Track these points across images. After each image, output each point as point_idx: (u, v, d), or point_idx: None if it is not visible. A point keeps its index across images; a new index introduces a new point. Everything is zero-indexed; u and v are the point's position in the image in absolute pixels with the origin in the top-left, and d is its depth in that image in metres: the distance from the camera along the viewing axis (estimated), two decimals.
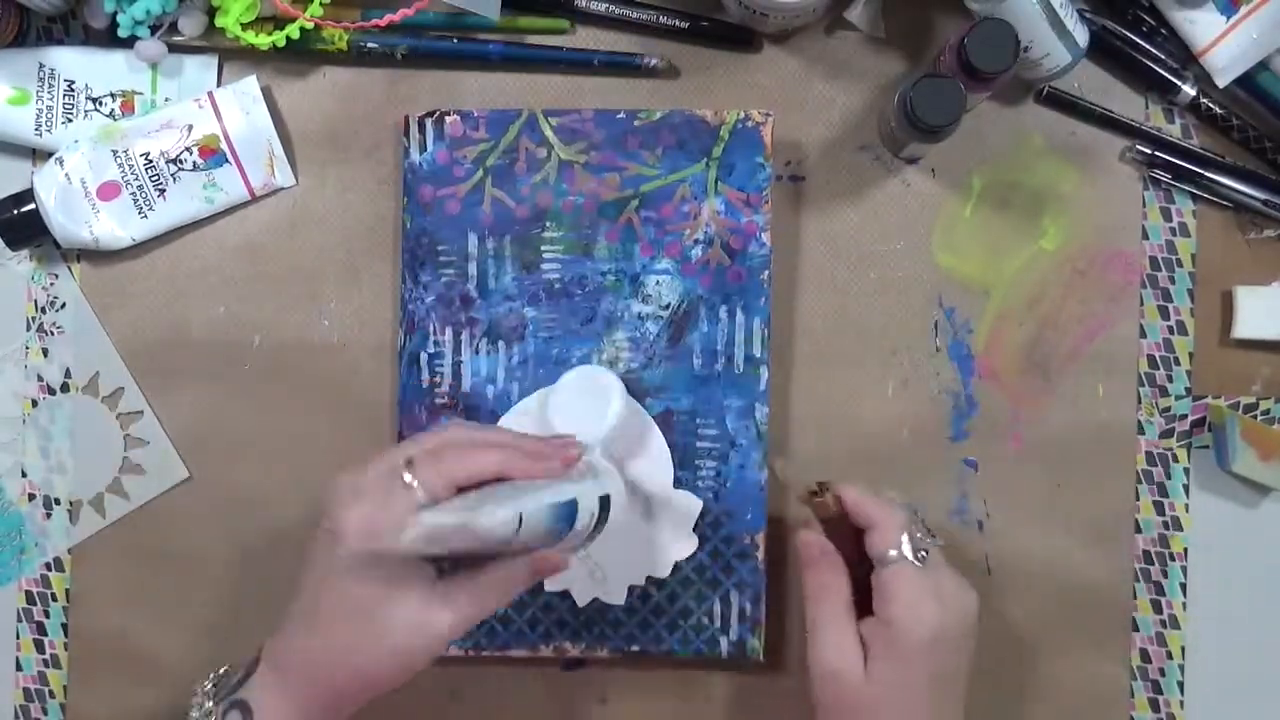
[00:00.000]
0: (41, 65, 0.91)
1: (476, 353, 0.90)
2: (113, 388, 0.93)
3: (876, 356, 0.91)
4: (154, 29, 0.90)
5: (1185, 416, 0.91)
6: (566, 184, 0.89)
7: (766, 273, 0.89)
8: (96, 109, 0.91)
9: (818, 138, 0.92)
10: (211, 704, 0.76)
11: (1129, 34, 0.90)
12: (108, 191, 0.90)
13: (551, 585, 0.89)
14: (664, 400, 0.89)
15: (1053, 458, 0.91)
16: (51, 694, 0.93)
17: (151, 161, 0.90)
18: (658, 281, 0.89)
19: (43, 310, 0.93)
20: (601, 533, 0.80)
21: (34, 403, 0.93)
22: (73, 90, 0.91)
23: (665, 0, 0.91)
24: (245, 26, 0.89)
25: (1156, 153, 0.90)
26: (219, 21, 0.89)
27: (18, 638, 0.93)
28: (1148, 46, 0.90)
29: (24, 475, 0.93)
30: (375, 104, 0.92)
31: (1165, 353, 0.91)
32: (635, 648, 0.89)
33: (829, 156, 0.92)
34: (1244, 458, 0.88)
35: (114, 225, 0.91)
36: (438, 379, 0.90)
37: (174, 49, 0.91)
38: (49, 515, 0.93)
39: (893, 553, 0.77)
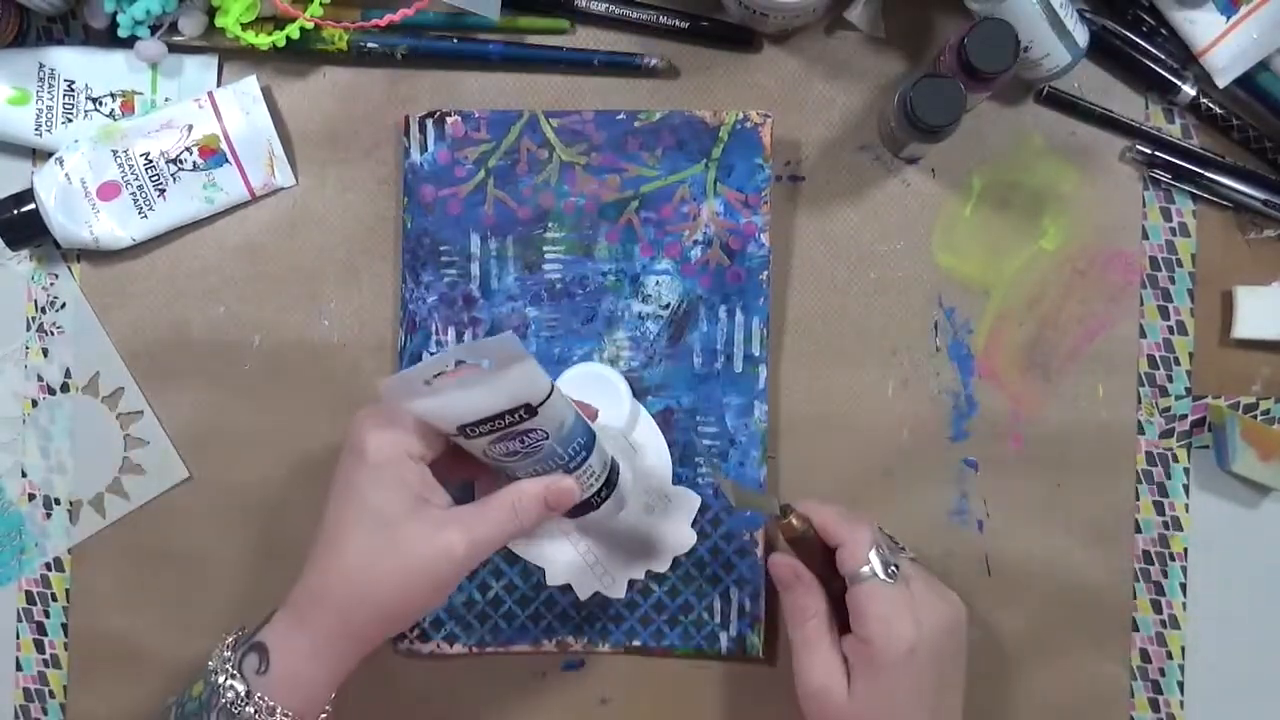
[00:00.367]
0: (41, 65, 0.91)
1: None
2: (113, 388, 0.93)
3: (876, 356, 0.91)
4: (154, 29, 0.90)
5: (1185, 416, 0.91)
6: (568, 185, 0.89)
7: (766, 273, 0.89)
8: (96, 109, 0.91)
9: (818, 138, 0.92)
10: (230, 652, 0.76)
11: (1129, 34, 0.90)
12: (108, 191, 0.90)
13: (553, 580, 0.89)
14: (664, 399, 0.89)
15: (1053, 458, 0.91)
16: (51, 694, 0.93)
17: (151, 161, 0.90)
18: (658, 282, 0.89)
19: (43, 310, 0.93)
20: (607, 507, 0.81)
21: (34, 403, 0.93)
22: (73, 90, 0.91)
23: (665, 0, 0.91)
24: (245, 26, 0.89)
25: (1156, 153, 0.90)
26: (219, 21, 0.89)
27: (18, 638, 0.93)
28: (1148, 46, 0.90)
29: (24, 475, 0.93)
30: (375, 104, 0.92)
31: (1165, 353, 0.91)
32: (637, 643, 0.90)
33: (829, 156, 0.92)
34: (1244, 458, 0.88)
35: (114, 225, 0.91)
36: None
37: (174, 49, 0.91)
38: (49, 515, 0.93)
39: (864, 570, 0.78)
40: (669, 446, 0.89)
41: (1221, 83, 0.89)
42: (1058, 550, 0.91)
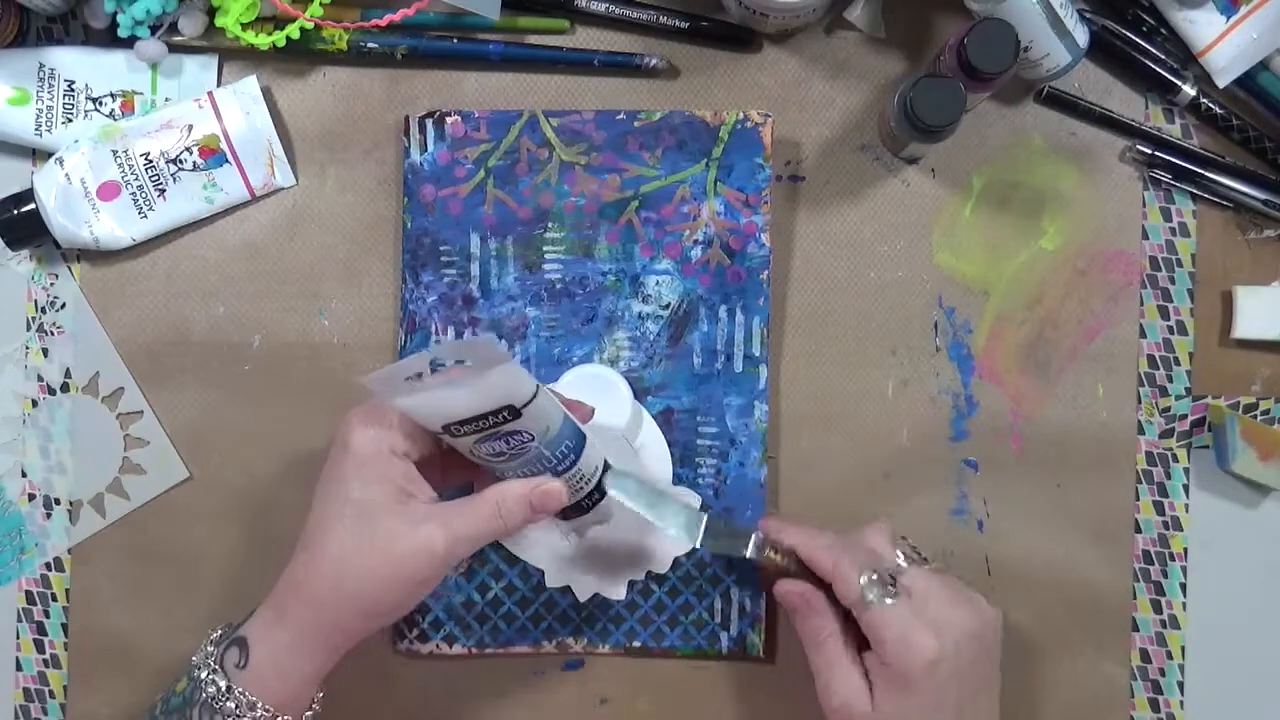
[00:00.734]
0: (41, 65, 0.91)
1: None
2: (113, 388, 0.93)
3: (876, 356, 0.91)
4: (154, 29, 0.90)
5: (1185, 416, 0.91)
6: (568, 185, 0.89)
7: (766, 273, 0.89)
8: (96, 109, 0.91)
9: (818, 138, 0.92)
10: (213, 648, 0.76)
11: (1129, 34, 0.90)
12: (108, 191, 0.90)
13: (553, 581, 0.89)
14: (664, 399, 0.89)
15: (1053, 458, 0.91)
16: (51, 694, 0.93)
17: (151, 161, 0.90)
18: (658, 282, 0.89)
19: (43, 310, 0.93)
20: (600, 510, 0.80)
21: (34, 403, 0.93)
22: (73, 90, 0.91)
23: (665, 0, 0.91)
24: (245, 26, 0.89)
25: (1156, 153, 0.90)
26: (219, 21, 0.89)
27: (18, 638, 0.93)
28: (1148, 46, 0.90)
29: (24, 475, 0.93)
30: (375, 104, 0.92)
31: (1165, 353, 0.91)
32: (637, 643, 0.90)
33: (829, 156, 0.92)
34: (1244, 458, 0.88)
35: (114, 225, 0.91)
36: None
37: (174, 49, 0.91)
38: (49, 515, 0.93)
39: (863, 599, 0.77)
40: (669, 447, 0.89)
41: (1221, 83, 0.89)
42: (1058, 550, 0.91)
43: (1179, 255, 0.91)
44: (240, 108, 0.91)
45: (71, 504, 0.93)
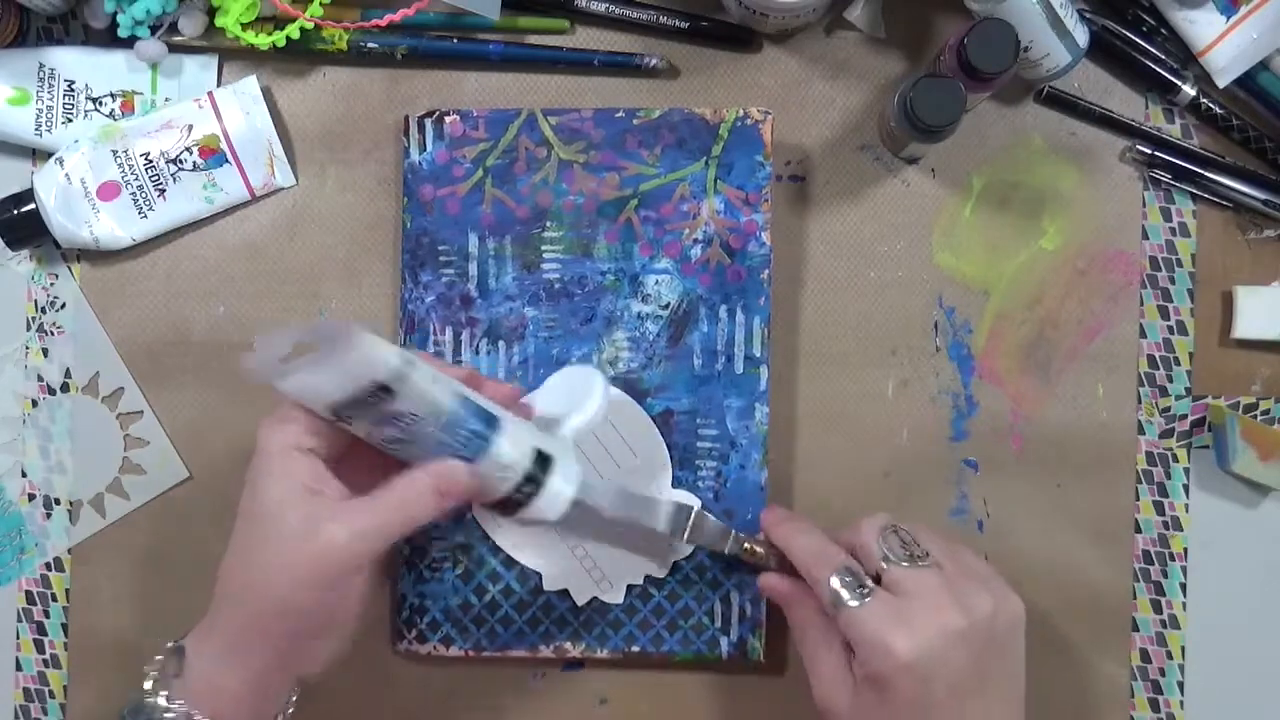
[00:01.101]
0: (41, 65, 0.91)
1: (477, 353, 0.90)
2: (113, 388, 0.93)
3: (876, 356, 0.91)
4: (154, 29, 0.90)
5: (1185, 416, 0.91)
6: (566, 184, 0.89)
7: (766, 272, 0.89)
8: (96, 109, 0.92)
9: (818, 138, 0.92)
10: (161, 658, 0.75)
11: (1129, 34, 0.90)
12: (108, 191, 0.90)
13: (550, 584, 0.89)
14: (664, 400, 0.89)
15: (1053, 458, 0.91)
16: (51, 694, 0.93)
17: (151, 161, 0.90)
18: (657, 281, 0.89)
19: (43, 310, 0.93)
20: (540, 506, 0.79)
21: (34, 403, 0.93)
22: (73, 90, 0.91)
23: (665, 0, 0.91)
24: (245, 26, 0.89)
25: (1156, 153, 0.90)
26: (219, 21, 0.89)
27: (18, 638, 0.93)
28: (1148, 46, 0.90)
29: (24, 475, 0.93)
30: (375, 104, 0.93)
31: (1165, 353, 0.91)
32: (636, 648, 0.89)
33: (829, 156, 0.92)
34: (1244, 458, 0.88)
35: (114, 225, 0.91)
36: None
37: (174, 49, 0.91)
38: (49, 515, 0.93)
39: (842, 597, 0.76)
40: (669, 449, 0.89)
41: (1221, 83, 0.89)
42: (1058, 550, 0.91)
43: (1179, 255, 0.91)
44: (240, 108, 0.91)
45: (71, 504, 0.93)
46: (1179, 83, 0.90)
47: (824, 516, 0.88)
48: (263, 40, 0.89)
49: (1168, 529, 0.91)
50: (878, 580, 0.77)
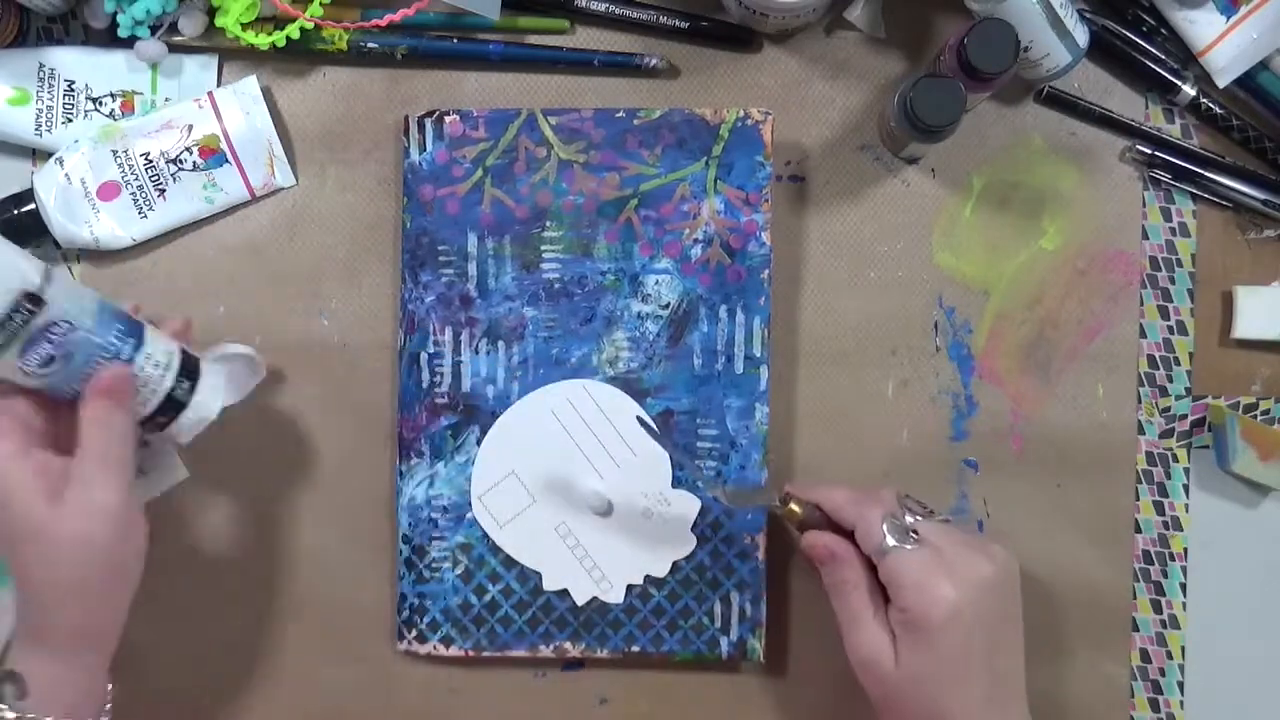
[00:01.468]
0: (41, 65, 0.91)
1: (476, 353, 0.90)
2: None
3: (876, 356, 0.91)
4: (154, 29, 0.90)
5: (1185, 416, 0.91)
6: (566, 183, 0.89)
7: (766, 272, 0.89)
8: (96, 109, 0.92)
9: (818, 138, 0.92)
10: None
11: (1129, 34, 0.90)
12: (108, 191, 0.90)
13: (550, 584, 0.89)
14: (664, 400, 0.89)
15: (1053, 458, 0.91)
16: None
17: (151, 161, 0.90)
18: (657, 281, 0.89)
19: None
20: (182, 426, 0.81)
21: None
22: (73, 90, 0.91)
23: (665, 0, 0.91)
24: (245, 26, 0.89)
25: (1156, 153, 0.90)
26: (219, 21, 0.89)
27: None
28: (1148, 46, 0.90)
29: None
30: (375, 104, 0.92)
31: (1165, 353, 0.91)
32: (636, 648, 0.89)
33: (829, 156, 0.92)
34: (1244, 458, 0.88)
35: (114, 225, 0.91)
36: (438, 379, 0.90)
37: (174, 49, 0.91)
38: None
39: (889, 542, 0.77)
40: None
41: (1221, 83, 0.89)
42: (1058, 550, 0.91)
43: (1179, 255, 0.91)
44: (240, 108, 0.91)
45: None
46: (1179, 83, 0.90)
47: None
48: (263, 40, 0.89)
49: (1168, 529, 0.91)
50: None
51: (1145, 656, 0.91)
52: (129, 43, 0.90)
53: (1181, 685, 0.91)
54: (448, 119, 0.90)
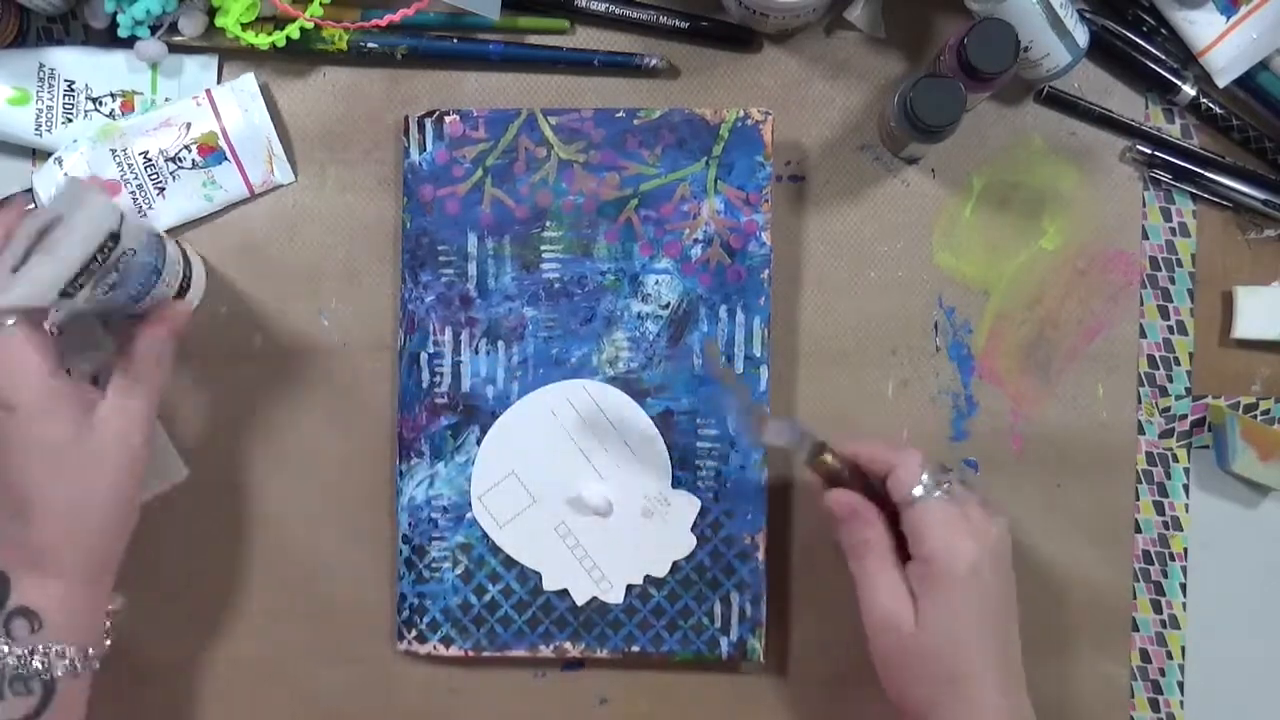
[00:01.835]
0: (41, 65, 0.91)
1: (476, 353, 0.90)
2: None
3: (876, 356, 0.91)
4: (154, 29, 0.90)
5: (1185, 416, 0.91)
6: (566, 183, 0.89)
7: (766, 272, 0.89)
8: (96, 109, 0.91)
9: (818, 138, 0.92)
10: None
11: (1129, 34, 0.90)
12: (107, 191, 0.90)
13: (550, 584, 0.89)
14: (664, 400, 0.89)
15: (1052, 458, 0.91)
16: None
17: (150, 160, 0.90)
18: (657, 281, 0.89)
19: None
20: (195, 285, 0.89)
21: None
22: (73, 90, 0.91)
23: (665, 0, 0.91)
24: (245, 26, 0.89)
25: (1156, 153, 0.90)
26: (219, 21, 0.89)
27: None
28: (1148, 46, 0.90)
29: None
30: (375, 104, 0.92)
31: (1165, 353, 0.91)
32: (635, 648, 0.89)
33: (829, 156, 0.92)
34: (1244, 458, 0.88)
35: None
36: (437, 379, 0.90)
37: (174, 49, 0.91)
38: None
39: (918, 490, 0.77)
40: (668, 449, 0.89)
41: (1221, 83, 0.89)
42: (1058, 550, 0.91)
43: (1179, 255, 0.91)
44: (238, 105, 0.91)
45: None
46: (1179, 83, 0.90)
47: (824, 516, 0.88)
48: (263, 40, 0.89)
49: (1168, 529, 0.91)
50: None
51: (1145, 656, 0.91)
52: (129, 43, 0.90)
53: (1181, 685, 0.91)
54: (448, 119, 0.90)
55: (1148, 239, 0.91)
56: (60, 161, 0.90)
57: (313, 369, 0.92)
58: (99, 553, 0.78)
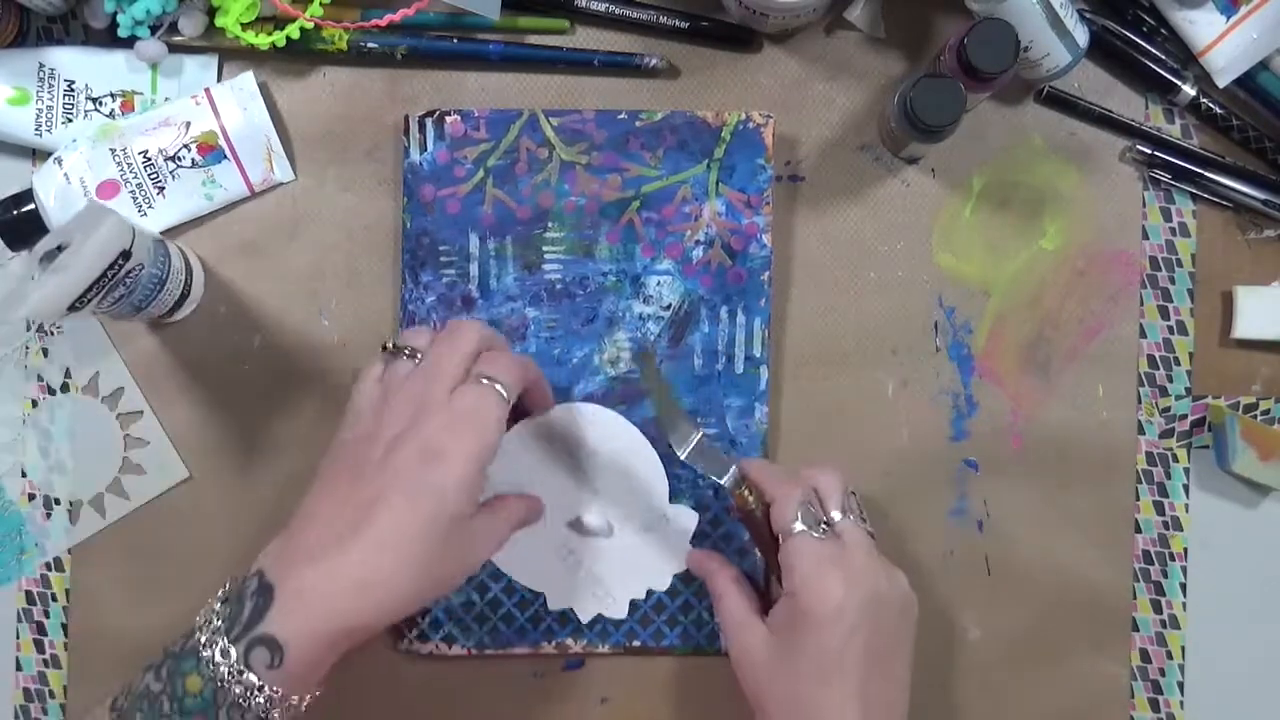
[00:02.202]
0: (41, 65, 0.91)
1: None
2: (113, 388, 0.93)
3: (876, 356, 0.91)
4: (154, 29, 0.90)
5: (1185, 416, 0.91)
6: (568, 184, 0.89)
7: (767, 274, 0.89)
8: (96, 109, 0.91)
9: (818, 138, 0.92)
10: (227, 641, 0.71)
11: (1129, 34, 0.90)
12: (107, 190, 0.90)
13: (555, 604, 0.89)
14: None
15: (1053, 458, 0.91)
16: (51, 694, 0.93)
17: (150, 159, 0.90)
18: (659, 282, 0.89)
19: None
20: (195, 286, 0.90)
21: (34, 403, 0.93)
22: (73, 90, 0.91)
23: (665, 0, 0.91)
24: (245, 26, 0.89)
25: (1156, 153, 0.90)
26: (219, 21, 0.89)
27: (18, 638, 0.93)
28: (1148, 46, 0.90)
29: (24, 475, 0.93)
30: (375, 104, 0.92)
31: (1165, 353, 0.91)
32: (637, 643, 0.89)
33: (829, 156, 0.92)
34: (1244, 458, 0.88)
35: None
36: None
37: (174, 49, 0.91)
38: (49, 515, 0.93)
39: (796, 526, 0.77)
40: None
41: (1221, 83, 0.89)
42: (1058, 550, 0.91)
43: (1179, 255, 0.91)
44: (237, 104, 0.91)
45: (71, 504, 0.93)
46: (1179, 83, 0.90)
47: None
48: (263, 40, 0.89)
49: (1168, 529, 0.91)
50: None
51: (1145, 656, 0.91)
52: (129, 43, 0.90)
53: (1181, 685, 0.91)
54: (448, 119, 0.90)
55: (1148, 239, 0.91)
56: (60, 161, 0.89)
57: (313, 369, 0.92)
58: (374, 614, 0.73)
